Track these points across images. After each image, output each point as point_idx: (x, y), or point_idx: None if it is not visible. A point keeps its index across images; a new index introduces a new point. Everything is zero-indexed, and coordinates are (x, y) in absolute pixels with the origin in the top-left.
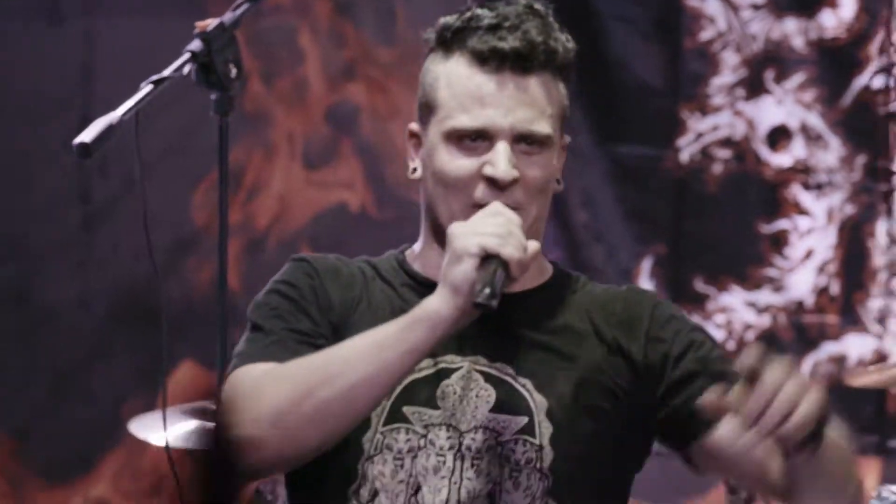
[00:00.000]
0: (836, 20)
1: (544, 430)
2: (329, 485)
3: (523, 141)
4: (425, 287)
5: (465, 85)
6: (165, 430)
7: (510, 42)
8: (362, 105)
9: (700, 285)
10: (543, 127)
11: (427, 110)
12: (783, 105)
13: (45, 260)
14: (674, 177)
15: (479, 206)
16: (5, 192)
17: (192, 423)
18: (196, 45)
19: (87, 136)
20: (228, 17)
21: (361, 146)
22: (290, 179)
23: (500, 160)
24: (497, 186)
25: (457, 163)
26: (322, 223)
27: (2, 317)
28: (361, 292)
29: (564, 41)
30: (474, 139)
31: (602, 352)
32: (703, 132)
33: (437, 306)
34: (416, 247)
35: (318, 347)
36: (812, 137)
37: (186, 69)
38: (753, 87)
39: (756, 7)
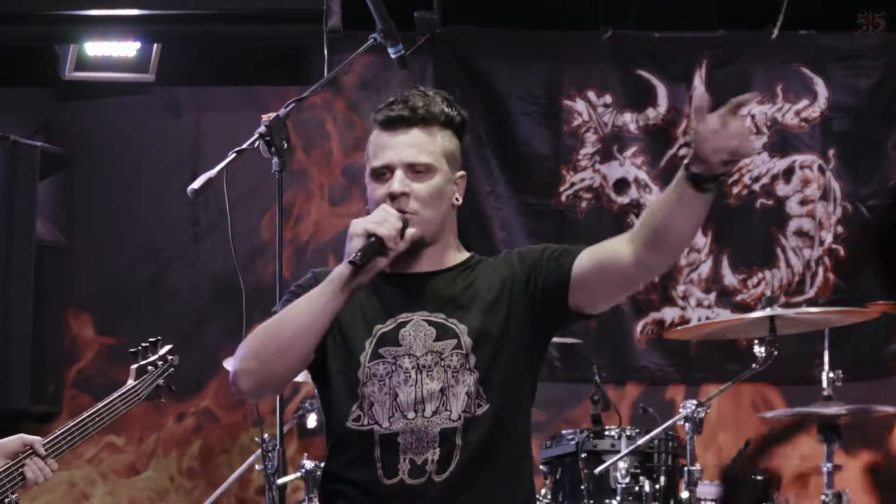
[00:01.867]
0: (656, 113)
1: (468, 343)
2: (341, 406)
3: (411, 169)
4: (385, 277)
5: (376, 142)
6: None
7: (397, 111)
8: (365, 166)
9: None
10: (424, 158)
11: (366, 162)
12: (623, 166)
13: (172, 261)
14: (557, 210)
15: None
16: (146, 221)
17: None
18: (262, 129)
19: (195, 184)
20: (282, 111)
21: (364, 191)
22: (321, 212)
23: (394, 181)
24: (393, 197)
25: (377, 191)
26: (340, 239)
27: (144, 297)
28: None
29: (448, 109)
30: (383, 173)
31: (501, 291)
32: (575, 183)
33: (340, 269)
34: None
35: None
36: (641, 186)
37: (256, 143)
38: (605, 155)
39: (606, 105)
